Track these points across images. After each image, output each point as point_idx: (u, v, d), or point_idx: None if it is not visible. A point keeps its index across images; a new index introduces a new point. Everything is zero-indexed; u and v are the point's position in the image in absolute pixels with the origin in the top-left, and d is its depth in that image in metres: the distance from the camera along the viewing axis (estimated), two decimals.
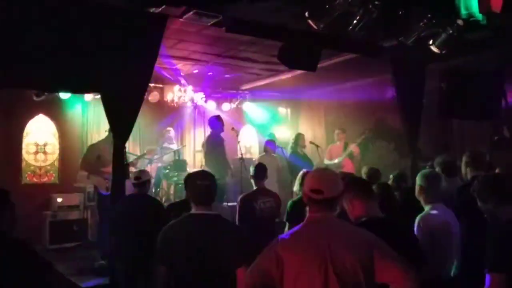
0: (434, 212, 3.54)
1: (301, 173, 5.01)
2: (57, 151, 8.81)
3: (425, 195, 3.63)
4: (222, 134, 7.99)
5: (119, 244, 4.75)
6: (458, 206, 3.78)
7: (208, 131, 8.30)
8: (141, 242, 4.38)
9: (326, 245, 2.27)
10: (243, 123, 10.56)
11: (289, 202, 4.84)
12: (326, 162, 8.52)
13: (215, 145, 7.83)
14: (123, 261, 4.68)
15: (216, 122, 7.96)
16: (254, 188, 5.22)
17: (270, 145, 8.68)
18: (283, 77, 8.78)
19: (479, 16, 4.58)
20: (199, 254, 2.85)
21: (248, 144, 10.83)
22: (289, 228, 4.44)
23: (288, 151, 8.45)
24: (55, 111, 8.68)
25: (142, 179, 4.92)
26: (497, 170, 4.60)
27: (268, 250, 2.38)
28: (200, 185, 3.02)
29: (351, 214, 2.94)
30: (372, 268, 2.26)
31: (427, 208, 3.60)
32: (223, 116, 8.35)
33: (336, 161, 8.37)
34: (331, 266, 2.23)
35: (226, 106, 10.30)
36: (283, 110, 11.48)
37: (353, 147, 8.49)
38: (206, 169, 7.58)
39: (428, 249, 3.23)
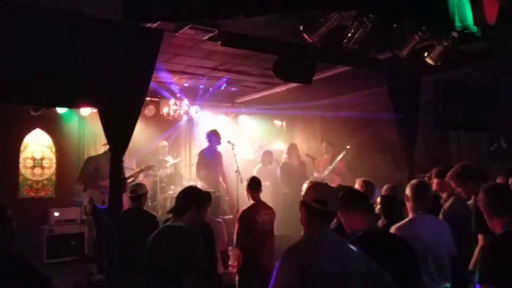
0: (414, 222, 3.49)
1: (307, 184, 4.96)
2: (54, 165, 8.81)
3: (411, 204, 3.56)
4: (218, 148, 8.00)
5: (115, 258, 4.73)
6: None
7: (204, 144, 8.30)
8: (137, 257, 4.35)
9: (339, 257, 2.33)
10: (238, 136, 10.56)
11: None
12: (315, 175, 8.51)
13: (209, 159, 7.85)
14: (120, 276, 4.65)
15: (211, 136, 7.97)
16: (250, 201, 5.22)
17: (266, 156, 8.69)
18: (278, 90, 8.82)
19: (473, 28, 4.61)
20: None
21: (244, 156, 10.81)
22: None
23: (281, 162, 8.48)
24: (52, 126, 8.70)
25: (138, 193, 4.91)
26: (498, 180, 4.59)
27: (287, 264, 2.32)
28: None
29: (348, 227, 2.93)
30: (367, 282, 2.35)
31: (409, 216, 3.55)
32: (219, 129, 8.36)
33: (322, 175, 8.35)
34: (344, 278, 2.29)
35: (221, 119, 10.32)
36: (278, 123, 11.50)
37: (336, 165, 8.45)
38: (198, 181, 7.64)
39: None
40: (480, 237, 3.68)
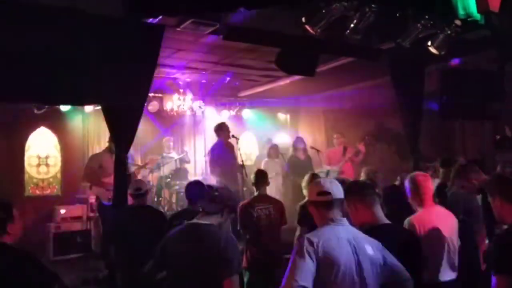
0: (428, 214, 3.49)
1: (307, 176, 4.97)
2: (59, 163, 8.84)
3: (418, 197, 3.55)
4: (230, 141, 7.96)
5: (120, 255, 4.74)
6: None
7: (211, 139, 8.27)
8: (143, 253, 4.36)
9: (352, 246, 2.35)
10: (242, 130, 10.55)
11: (298, 206, 4.80)
12: (326, 167, 8.47)
13: (222, 153, 7.76)
14: (125, 272, 4.67)
15: (220, 130, 7.91)
16: (255, 194, 5.20)
17: (273, 150, 8.67)
18: (282, 83, 8.79)
19: (477, 16, 4.57)
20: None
21: (248, 151, 10.82)
22: (301, 231, 4.44)
23: (288, 155, 8.46)
24: (56, 124, 8.72)
25: (143, 190, 4.91)
26: (498, 169, 4.59)
27: (304, 251, 2.30)
28: None
29: (355, 219, 2.90)
30: (380, 272, 2.36)
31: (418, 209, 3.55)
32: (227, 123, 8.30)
33: (335, 167, 8.29)
34: (360, 268, 2.31)
35: (225, 113, 10.30)
36: (282, 116, 11.48)
37: (360, 146, 8.29)
38: (211, 177, 7.61)
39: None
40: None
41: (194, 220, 3.01)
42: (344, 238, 2.36)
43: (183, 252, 2.91)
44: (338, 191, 2.48)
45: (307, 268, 2.24)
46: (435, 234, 3.43)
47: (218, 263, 2.78)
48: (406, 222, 3.46)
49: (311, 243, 2.32)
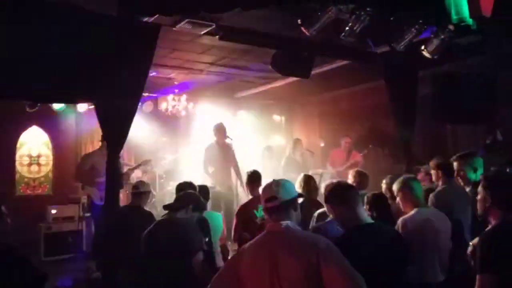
0: (420, 215, 3.55)
1: (301, 177, 4.97)
2: (51, 163, 8.80)
3: (408, 199, 3.65)
4: (226, 141, 7.98)
5: (111, 255, 4.73)
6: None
7: (206, 139, 8.26)
8: (133, 254, 4.38)
9: (272, 255, 2.31)
10: (237, 131, 10.55)
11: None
12: (329, 168, 8.48)
13: (217, 154, 7.80)
14: (116, 272, 4.66)
15: (218, 130, 7.93)
16: (249, 195, 5.20)
17: (267, 151, 8.68)
18: (277, 84, 8.80)
19: (469, 20, 4.62)
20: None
21: (243, 152, 10.79)
22: None
23: (284, 157, 8.47)
24: (48, 123, 8.67)
25: (139, 190, 4.91)
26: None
27: (228, 261, 2.49)
28: None
29: (338, 220, 2.96)
30: (318, 276, 2.21)
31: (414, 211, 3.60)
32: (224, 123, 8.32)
33: (340, 169, 8.29)
34: (277, 276, 2.26)
35: (220, 114, 10.27)
36: (277, 118, 11.49)
37: (358, 157, 8.42)
38: (206, 177, 7.61)
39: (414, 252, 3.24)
40: None
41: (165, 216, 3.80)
42: (267, 248, 2.36)
43: (157, 243, 3.57)
44: (283, 194, 2.45)
45: (225, 280, 2.45)
46: (426, 234, 3.47)
47: (184, 244, 3.50)
48: (398, 223, 3.51)
49: (237, 254, 2.53)
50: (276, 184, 2.52)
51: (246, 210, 5.02)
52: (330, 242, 2.34)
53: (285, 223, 2.40)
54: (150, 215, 5.10)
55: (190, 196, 3.96)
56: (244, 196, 6.58)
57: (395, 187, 3.79)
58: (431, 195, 4.30)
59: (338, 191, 2.98)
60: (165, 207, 3.97)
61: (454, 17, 4.65)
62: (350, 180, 4.98)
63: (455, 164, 4.49)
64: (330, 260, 2.23)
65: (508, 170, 3.68)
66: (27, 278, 2.85)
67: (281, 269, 2.26)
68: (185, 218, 3.72)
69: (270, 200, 2.45)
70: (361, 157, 8.42)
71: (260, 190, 3.82)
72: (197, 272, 3.50)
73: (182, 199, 3.87)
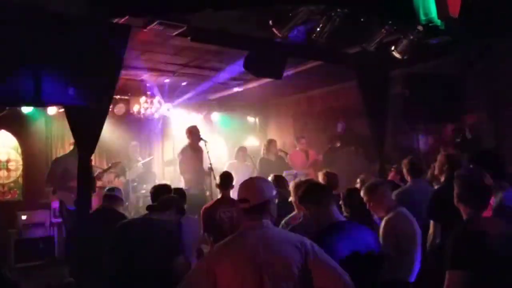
0: (398, 216, 3.61)
1: (293, 183, 4.93)
2: (21, 168, 8.59)
3: (380, 203, 3.70)
4: (199, 143, 7.95)
5: (86, 260, 4.66)
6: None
7: (180, 142, 8.22)
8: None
9: (258, 252, 2.27)
10: (211, 133, 10.52)
11: None
12: (293, 171, 8.52)
13: (192, 156, 7.77)
14: (91, 277, 4.59)
15: (192, 133, 7.88)
16: (218, 197, 5.19)
17: (241, 152, 8.66)
18: (250, 85, 8.80)
19: (438, 21, 4.70)
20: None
21: (217, 154, 10.76)
22: None
23: (259, 158, 8.47)
24: (17, 126, 8.47)
25: (114, 193, 4.92)
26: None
27: (198, 264, 2.44)
28: None
29: (314, 220, 2.99)
30: (306, 275, 2.25)
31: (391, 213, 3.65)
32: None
33: (305, 171, 8.34)
34: (264, 274, 2.23)
35: (194, 116, 10.24)
36: (251, 119, 11.50)
37: (316, 156, 8.56)
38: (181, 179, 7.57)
39: (396, 252, 3.31)
40: (432, 224, 3.82)
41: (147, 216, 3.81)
42: (249, 246, 2.32)
43: (138, 242, 3.57)
44: (255, 197, 2.41)
45: (194, 282, 2.35)
46: (409, 235, 3.54)
47: (168, 246, 3.56)
48: (382, 224, 3.56)
49: (209, 255, 2.57)
50: (251, 184, 2.50)
51: (207, 212, 5.01)
52: (313, 243, 2.35)
53: (265, 221, 2.39)
54: (122, 216, 5.03)
55: (174, 199, 4.05)
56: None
57: (364, 195, 3.81)
58: (393, 193, 4.35)
59: (312, 191, 3.03)
60: (149, 207, 4.01)
61: (422, 18, 4.73)
62: (320, 181, 5.01)
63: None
64: (319, 260, 2.28)
65: (471, 166, 3.75)
66: None
67: (265, 269, 2.24)
68: (168, 220, 3.76)
69: (243, 201, 2.43)
70: (320, 156, 8.56)
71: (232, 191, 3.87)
72: (178, 275, 3.47)
73: (166, 201, 3.93)
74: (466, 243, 2.48)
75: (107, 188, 5.12)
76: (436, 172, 4.50)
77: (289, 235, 2.46)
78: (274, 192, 2.51)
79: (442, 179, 4.34)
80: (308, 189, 3.08)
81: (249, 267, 2.25)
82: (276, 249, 2.29)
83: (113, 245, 3.73)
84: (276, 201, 2.55)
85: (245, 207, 2.41)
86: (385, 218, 3.62)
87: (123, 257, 3.61)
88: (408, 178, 4.80)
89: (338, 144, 8.58)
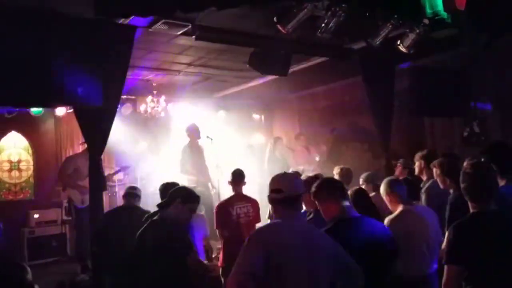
0: (407, 213, 3.63)
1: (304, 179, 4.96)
2: (32, 168, 8.71)
3: (393, 198, 3.72)
4: (199, 142, 8.03)
5: (104, 257, 4.74)
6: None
7: (185, 139, 8.28)
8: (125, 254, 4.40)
9: (308, 239, 2.43)
10: (218, 130, 10.55)
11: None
12: (300, 168, 8.54)
13: (193, 154, 7.85)
14: (110, 275, 4.68)
15: (192, 131, 7.99)
16: (232, 194, 5.24)
17: (250, 150, 8.72)
18: (255, 83, 8.82)
19: (444, 14, 4.70)
20: None
21: (223, 151, 10.80)
22: None
23: (266, 155, 8.50)
24: (27, 127, 8.59)
25: (136, 191, 5.01)
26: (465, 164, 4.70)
27: (253, 242, 2.41)
28: None
29: (325, 214, 3.00)
30: (333, 269, 2.42)
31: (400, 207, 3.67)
32: (198, 124, 8.39)
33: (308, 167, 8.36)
34: (310, 260, 2.36)
35: (199, 114, 10.26)
36: (256, 117, 11.51)
37: (321, 146, 8.64)
38: (183, 176, 7.63)
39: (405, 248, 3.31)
40: None
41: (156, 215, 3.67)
42: (293, 231, 2.46)
43: (151, 240, 3.45)
44: (291, 189, 2.56)
45: (254, 258, 2.34)
46: (414, 230, 3.55)
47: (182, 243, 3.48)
48: (386, 220, 3.58)
49: (260, 234, 2.52)
50: (286, 177, 2.67)
51: (223, 208, 5.07)
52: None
53: (298, 213, 2.60)
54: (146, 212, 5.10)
55: (175, 190, 3.83)
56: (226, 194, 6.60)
57: (381, 190, 3.84)
58: (422, 192, 4.38)
59: (327, 186, 3.05)
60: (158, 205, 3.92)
61: (428, 11, 4.73)
62: (336, 176, 5.07)
63: None
64: (342, 254, 2.47)
65: (482, 160, 3.75)
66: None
67: (316, 255, 2.40)
68: (176, 218, 3.60)
69: (277, 191, 2.56)
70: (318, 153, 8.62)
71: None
72: (193, 270, 3.51)
73: (169, 195, 3.76)
74: (463, 239, 2.51)
75: (128, 186, 5.17)
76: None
77: (321, 232, 2.64)
78: (304, 189, 2.67)
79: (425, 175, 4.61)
80: (322, 184, 3.09)
81: (301, 252, 2.37)
82: (317, 241, 2.47)
83: (137, 248, 3.62)
84: None
85: (279, 198, 2.54)
86: (389, 217, 3.64)
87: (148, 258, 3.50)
88: (424, 171, 4.83)
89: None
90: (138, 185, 8.46)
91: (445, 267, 2.51)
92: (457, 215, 2.92)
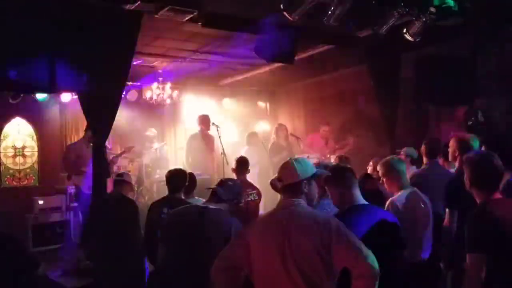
0: (408, 196, 3.64)
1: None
2: (36, 154, 8.74)
3: (395, 181, 3.72)
4: (208, 132, 8.20)
5: (99, 244, 4.77)
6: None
7: (191, 128, 8.35)
8: (120, 241, 4.44)
9: (284, 229, 2.41)
10: (223, 118, 10.55)
11: None
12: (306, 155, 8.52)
13: (201, 144, 8.04)
14: (104, 261, 4.70)
15: (203, 121, 8.19)
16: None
17: (252, 138, 8.71)
18: (261, 71, 8.80)
19: (451, 2, 4.67)
20: None
21: (229, 138, 10.81)
22: None
23: (270, 142, 8.50)
24: (32, 113, 8.60)
25: (123, 178, 4.97)
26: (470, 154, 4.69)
27: (239, 235, 2.64)
28: None
29: (335, 201, 3.04)
30: (329, 253, 2.33)
31: (401, 192, 3.68)
32: (203, 112, 8.43)
33: (315, 154, 8.33)
34: (288, 249, 2.36)
35: (205, 101, 10.27)
36: (262, 104, 11.51)
37: (348, 140, 8.54)
38: (192, 164, 7.69)
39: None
40: (448, 212, 3.82)
41: (204, 204, 3.46)
42: (276, 222, 2.47)
43: (190, 232, 3.26)
44: (287, 177, 2.57)
45: (234, 252, 2.54)
46: (415, 214, 3.56)
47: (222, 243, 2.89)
48: (388, 203, 3.58)
49: (247, 228, 2.64)
50: (286, 165, 2.64)
51: None
52: (340, 222, 2.44)
53: (297, 200, 2.52)
54: (132, 202, 5.09)
55: (239, 189, 3.71)
56: None
57: (380, 169, 3.85)
58: (410, 176, 4.36)
59: (338, 173, 3.06)
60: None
61: None
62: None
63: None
64: (343, 239, 2.35)
65: (483, 149, 3.74)
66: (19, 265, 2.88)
67: (293, 242, 2.36)
68: (231, 217, 3.41)
69: (279, 180, 2.62)
70: (350, 139, 8.51)
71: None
72: None
73: (232, 189, 3.58)
74: (482, 227, 2.54)
75: (117, 174, 5.20)
76: (450, 158, 4.38)
77: (316, 214, 2.54)
78: (312, 173, 2.59)
79: (456, 164, 4.23)
80: (333, 170, 3.10)
81: (274, 242, 2.40)
82: (301, 226, 2.40)
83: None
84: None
85: (280, 186, 2.61)
86: (391, 199, 3.65)
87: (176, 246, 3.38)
88: (424, 160, 4.81)
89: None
90: (144, 172, 8.55)
91: (467, 256, 2.54)
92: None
